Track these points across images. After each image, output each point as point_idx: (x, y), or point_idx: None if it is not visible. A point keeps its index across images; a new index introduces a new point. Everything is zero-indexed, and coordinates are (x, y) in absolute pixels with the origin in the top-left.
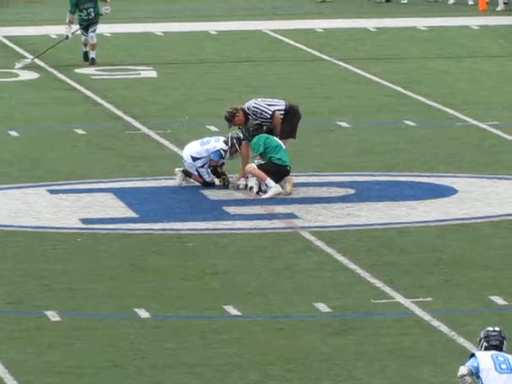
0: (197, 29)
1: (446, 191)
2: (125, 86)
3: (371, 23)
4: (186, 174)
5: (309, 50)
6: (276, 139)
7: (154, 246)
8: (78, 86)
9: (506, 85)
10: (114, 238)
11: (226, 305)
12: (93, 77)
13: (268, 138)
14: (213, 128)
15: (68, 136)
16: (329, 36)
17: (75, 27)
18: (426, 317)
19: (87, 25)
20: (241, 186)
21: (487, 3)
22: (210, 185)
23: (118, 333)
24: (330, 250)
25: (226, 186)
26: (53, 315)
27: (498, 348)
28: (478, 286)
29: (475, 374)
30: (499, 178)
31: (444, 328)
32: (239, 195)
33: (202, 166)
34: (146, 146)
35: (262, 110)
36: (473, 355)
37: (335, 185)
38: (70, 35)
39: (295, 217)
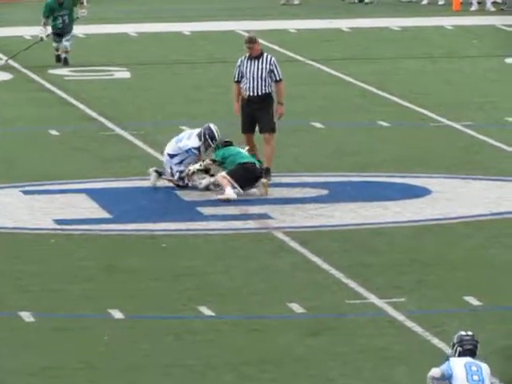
0: (170, 29)
1: (420, 192)
2: (98, 86)
3: (345, 24)
4: (160, 174)
5: (282, 50)
6: (236, 148)
7: (128, 247)
8: (51, 87)
9: (480, 85)
10: (87, 238)
11: (200, 305)
12: (66, 78)
13: (228, 149)
14: (185, 128)
15: (42, 137)
16: (302, 37)
17: (50, 29)
18: (400, 317)
19: (61, 33)
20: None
21: (461, 3)
22: (182, 187)
23: (93, 334)
24: (303, 251)
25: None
26: (27, 316)
27: (472, 352)
28: (452, 287)
29: (447, 379)
30: (473, 179)
31: (418, 328)
32: (213, 195)
33: (180, 163)
34: (119, 147)
35: (278, 69)
36: (448, 359)
37: (309, 185)
38: (44, 37)
39: (269, 217)
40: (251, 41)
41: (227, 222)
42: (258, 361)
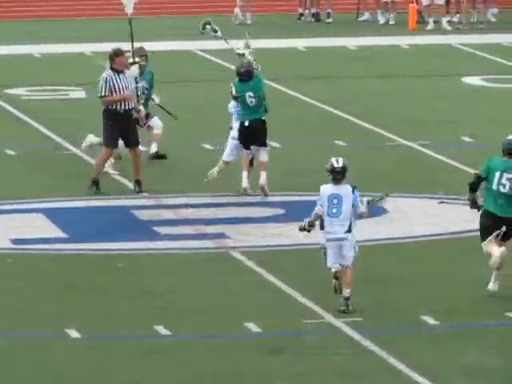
0: (126, 49)
1: (377, 211)
2: (54, 106)
3: (301, 43)
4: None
5: None
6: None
7: (84, 267)
8: (7, 107)
9: (437, 104)
10: (44, 258)
11: (157, 325)
12: (23, 97)
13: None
14: (143, 148)
15: None
16: (259, 56)
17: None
18: (357, 336)
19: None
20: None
21: (417, 22)
22: None
23: (51, 353)
24: (260, 270)
25: None
26: None
27: (341, 179)
28: (408, 306)
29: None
30: (430, 198)
31: (375, 348)
32: (169, 215)
33: None
34: (76, 167)
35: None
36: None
37: (265, 205)
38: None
39: (226, 237)
40: (123, 53)
41: (184, 241)
42: (214, 380)
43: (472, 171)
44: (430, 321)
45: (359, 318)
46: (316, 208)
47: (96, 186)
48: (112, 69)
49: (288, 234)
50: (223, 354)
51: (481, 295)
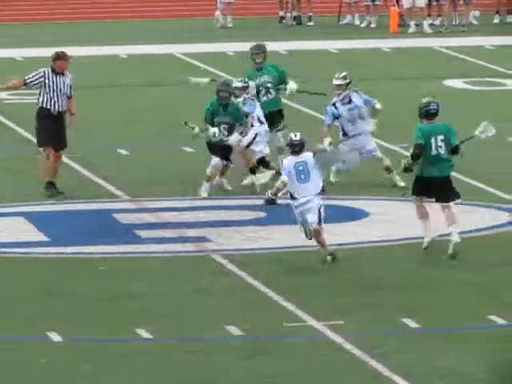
0: (107, 52)
1: (358, 214)
2: (36, 110)
3: (282, 46)
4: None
5: (220, 73)
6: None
7: (66, 270)
8: None
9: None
10: (25, 261)
11: (138, 328)
12: (4, 101)
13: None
14: (124, 152)
15: None
16: (240, 59)
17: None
18: (339, 339)
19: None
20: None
21: (399, 25)
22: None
23: (31, 356)
24: (241, 273)
25: None
26: None
27: (300, 150)
28: (390, 309)
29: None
30: (411, 201)
31: (356, 351)
32: (150, 219)
33: None
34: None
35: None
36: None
37: (247, 208)
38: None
39: (207, 240)
40: (65, 57)
41: (165, 244)
42: (195, 383)
43: (457, 174)
44: (411, 324)
45: (341, 321)
46: (282, 177)
47: (53, 186)
48: (52, 69)
49: (269, 237)
50: (204, 357)
51: (463, 298)
